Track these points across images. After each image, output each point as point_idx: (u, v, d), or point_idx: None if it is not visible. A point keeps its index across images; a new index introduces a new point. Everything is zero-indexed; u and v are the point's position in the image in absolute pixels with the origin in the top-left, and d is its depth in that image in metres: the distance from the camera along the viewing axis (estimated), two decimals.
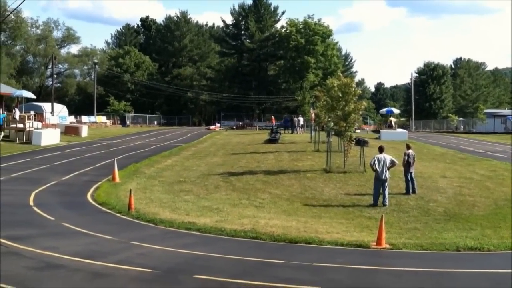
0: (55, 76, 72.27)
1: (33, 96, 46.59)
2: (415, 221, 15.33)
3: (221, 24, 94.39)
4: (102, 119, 69.12)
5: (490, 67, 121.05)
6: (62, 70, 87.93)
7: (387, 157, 17.57)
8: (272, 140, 37.92)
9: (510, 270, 10.03)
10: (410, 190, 18.47)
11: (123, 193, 18.18)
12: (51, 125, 44.09)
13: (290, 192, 19.55)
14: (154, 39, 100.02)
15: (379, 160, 17.30)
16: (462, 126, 69.75)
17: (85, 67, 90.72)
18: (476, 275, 9.95)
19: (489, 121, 66.26)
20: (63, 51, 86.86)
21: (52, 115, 52.37)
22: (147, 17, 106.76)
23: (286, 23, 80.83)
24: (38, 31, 79.93)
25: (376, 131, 54.18)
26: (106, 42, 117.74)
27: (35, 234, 12.12)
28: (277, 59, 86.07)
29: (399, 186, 19.23)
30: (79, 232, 12.56)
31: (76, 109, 73.47)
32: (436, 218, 15.75)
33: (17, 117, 37.05)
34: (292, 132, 50.03)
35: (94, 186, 19.80)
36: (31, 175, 22.10)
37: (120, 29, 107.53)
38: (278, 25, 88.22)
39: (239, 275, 8.96)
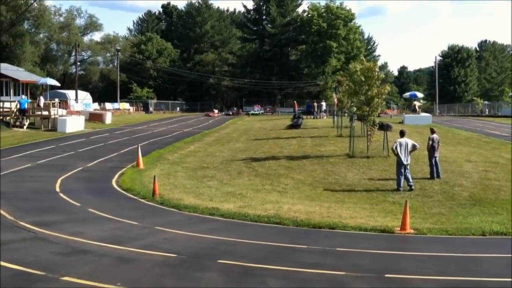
0: (79, 63, 72.90)
1: (58, 84, 47.13)
2: (440, 206, 15.20)
3: (242, 10, 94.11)
4: (126, 105, 69.61)
5: None
6: (85, 57, 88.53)
7: (408, 141, 17.45)
8: (295, 126, 37.84)
9: None
10: (435, 175, 18.31)
11: (147, 179, 18.35)
12: (76, 112, 44.65)
13: (313, 177, 19.52)
14: (176, 26, 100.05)
15: (400, 144, 17.19)
16: (487, 110, 68.59)
17: (108, 54, 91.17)
18: (502, 260, 9.83)
19: None
20: (86, 38, 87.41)
21: (76, 102, 52.98)
22: (169, 3, 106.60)
23: (308, 7, 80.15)
24: (61, 19, 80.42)
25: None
26: (128, 29, 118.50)
27: (62, 220, 12.31)
28: (299, 44, 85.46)
29: (423, 170, 19.07)
30: (104, 217, 12.73)
31: (99, 96, 74.07)
32: (461, 202, 15.59)
33: (42, 104, 37.55)
34: (315, 117, 49.84)
35: (119, 172, 20.01)
36: (57, 162, 22.42)
37: (142, 15, 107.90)
38: (300, 10, 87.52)
39: (263, 260, 9.00)
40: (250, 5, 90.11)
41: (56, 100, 41.43)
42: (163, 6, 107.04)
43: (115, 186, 17.61)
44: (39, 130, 35.57)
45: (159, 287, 7.33)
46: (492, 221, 13.06)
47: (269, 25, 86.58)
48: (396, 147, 17.17)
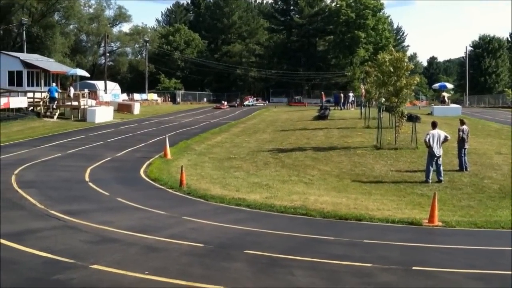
0: (108, 54, 73.57)
1: (87, 75, 47.76)
2: (469, 198, 15.01)
3: (270, 0, 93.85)
4: (153, 96, 70.11)
5: None
6: (114, 48, 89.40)
7: (440, 132, 17.24)
8: (322, 117, 37.69)
9: None
10: (463, 167, 18.08)
11: (175, 169, 18.49)
12: (105, 102, 45.18)
13: (340, 168, 19.43)
14: (204, 17, 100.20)
15: (433, 136, 16.98)
16: None
17: (137, 45, 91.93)
18: None
19: None
20: (115, 29, 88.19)
21: (105, 93, 53.53)
22: None
23: None
24: (91, 10, 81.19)
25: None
26: (157, 20, 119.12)
27: (91, 208, 12.49)
28: (327, 34, 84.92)
29: (452, 162, 18.82)
30: (133, 207, 12.87)
31: (128, 87, 74.71)
32: (490, 195, 15.37)
33: (71, 95, 38.08)
34: (341, 109, 49.54)
35: (147, 162, 20.20)
36: (87, 152, 22.74)
37: (170, 7, 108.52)
38: (328, 0, 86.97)
39: (289, 251, 9.01)
40: None
41: (86, 90, 41.95)
42: None
43: (143, 176, 17.79)
44: (69, 120, 36.12)
45: (186, 276, 7.38)
46: None
47: (296, 16, 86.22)
48: (428, 139, 16.96)
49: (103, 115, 37.37)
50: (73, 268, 7.60)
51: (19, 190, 14.17)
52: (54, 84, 38.50)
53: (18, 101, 35.09)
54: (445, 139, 17.21)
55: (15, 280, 7.12)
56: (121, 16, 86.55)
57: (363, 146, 23.23)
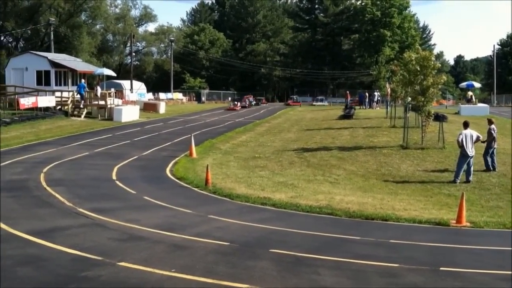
0: (134, 54, 74.29)
1: (114, 74, 48.20)
2: (497, 199, 14.78)
3: None
4: (179, 95, 70.56)
5: None
6: (140, 48, 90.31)
7: (473, 132, 17.05)
8: (347, 116, 37.52)
9: None
10: (490, 167, 17.83)
11: (200, 168, 18.60)
12: (131, 102, 45.57)
13: (366, 168, 19.32)
14: (228, 16, 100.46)
15: (465, 136, 16.78)
16: None
17: (162, 45, 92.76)
18: None
19: None
20: (140, 29, 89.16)
21: (131, 92, 53.96)
22: None
23: None
24: (117, 10, 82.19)
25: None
26: (182, 19, 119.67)
27: (118, 206, 12.63)
28: (352, 33, 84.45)
29: (480, 163, 18.52)
30: (159, 205, 12.97)
31: (153, 86, 75.32)
32: None
33: (98, 94, 38.52)
34: (366, 108, 49.23)
35: (173, 161, 20.35)
36: (113, 150, 22.99)
37: (196, 6, 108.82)
38: None
39: (315, 251, 8.99)
40: None
41: (112, 90, 42.34)
42: None
43: (169, 174, 17.92)
44: (96, 119, 36.53)
45: (212, 274, 7.43)
46: None
47: (321, 14, 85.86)
48: (462, 139, 16.76)
49: (129, 114, 37.73)
50: (101, 265, 7.70)
51: (48, 188, 14.41)
52: (83, 81, 38.94)
53: (46, 100, 35.60)
54: (477, 139, 17.05)
55: (45, 277, 7.25)
56: (147, 16, 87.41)
57: (389, 145, 23.06)
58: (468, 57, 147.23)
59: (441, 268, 8.11)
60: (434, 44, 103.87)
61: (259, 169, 19.38)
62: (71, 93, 38.00)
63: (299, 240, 10.11)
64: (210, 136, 28.36)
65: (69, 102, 36.90)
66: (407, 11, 78.78)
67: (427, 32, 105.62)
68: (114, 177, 16.78)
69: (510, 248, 9.81)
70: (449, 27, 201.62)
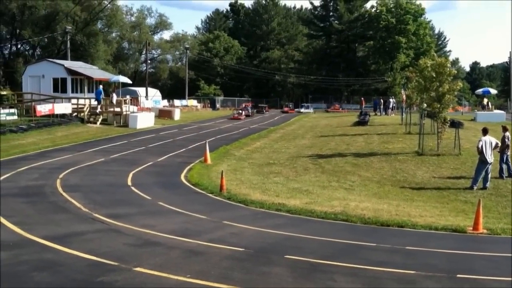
0: (149, 61, 74.80)
1: (129, 81, 48.51)
2: None
3: (309, 6, 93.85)
4: (193, 102, 70.83)
5: None
6: (155, 55, 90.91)
7: (492, 139, 16.97)
8: (361, 122, 37.41)
9: None
10: (504, 174, 17.66)
11: (215, 174, 18.61)
12: (146, 108, 45.90)
13: (381, 174, 19.22)
14: (243, 23, 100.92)
15: (485, 142, 16.67)
16: None
17: (177, 52, 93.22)
18: None
19: None
20: (156, 37, 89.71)
21: (147, 99, 54.37)
22: (236, 1, 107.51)
23: (376, 2, 79.38)
24: (133, 18, 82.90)
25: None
26: (197, 27, 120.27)
27: (133, 212, 12.66)
28: (367, 40, 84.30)
29: (496, 169, 18.37)
30: (174, 211, 13.00)
31: (168, 93, 75.74)
32: None
33: (114, 101, 38.78)
34: (381, 114, 49.05)
35: (187, 167, 20.39)
36: (129, 157, 23.10)
37: (210, 14, 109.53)
38: (368, 5, 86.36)
39: (330, 257, 8.94)
40: (317, 1, 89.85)
41: (128, 97, 42.66)
42: (230, 5, 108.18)
43: (183, 180, 17.96)
44: (112, 126, 36.77)
45: (227, 280, 7.42)
46: None
47: (336, 22, 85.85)
48: (482, 145, 16.65)
49: (145, 121, 37.96)
50: (117, 271, 7.72)
51: (64, 193, 14.49)
52: (101, 87, 39.24)
53: (63, 107, 35.91)
54: (496, 145, 16.95)
55: (61, 282, 7.28)
56: (162, 24, 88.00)
57: (404, 152, 22.93)
58: (484, 63, 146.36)
59: (458, 275, 8.02)
60: (450, 51, 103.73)
61: (273, 175, 19.36)
62: (87, 100, 38.32)
63: (314, 246, 10.07)
64: (224, 143, 28.41)
65: (85, 109, 37.19)
66: (422, 18, 78.53)
67: (442, 39, 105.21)
68: (129, 183, 16.84)
69: None
70: (464, 34, 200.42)
